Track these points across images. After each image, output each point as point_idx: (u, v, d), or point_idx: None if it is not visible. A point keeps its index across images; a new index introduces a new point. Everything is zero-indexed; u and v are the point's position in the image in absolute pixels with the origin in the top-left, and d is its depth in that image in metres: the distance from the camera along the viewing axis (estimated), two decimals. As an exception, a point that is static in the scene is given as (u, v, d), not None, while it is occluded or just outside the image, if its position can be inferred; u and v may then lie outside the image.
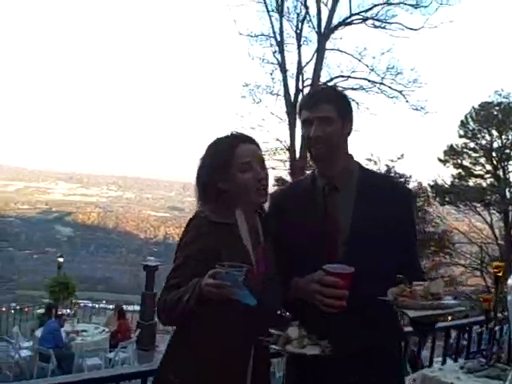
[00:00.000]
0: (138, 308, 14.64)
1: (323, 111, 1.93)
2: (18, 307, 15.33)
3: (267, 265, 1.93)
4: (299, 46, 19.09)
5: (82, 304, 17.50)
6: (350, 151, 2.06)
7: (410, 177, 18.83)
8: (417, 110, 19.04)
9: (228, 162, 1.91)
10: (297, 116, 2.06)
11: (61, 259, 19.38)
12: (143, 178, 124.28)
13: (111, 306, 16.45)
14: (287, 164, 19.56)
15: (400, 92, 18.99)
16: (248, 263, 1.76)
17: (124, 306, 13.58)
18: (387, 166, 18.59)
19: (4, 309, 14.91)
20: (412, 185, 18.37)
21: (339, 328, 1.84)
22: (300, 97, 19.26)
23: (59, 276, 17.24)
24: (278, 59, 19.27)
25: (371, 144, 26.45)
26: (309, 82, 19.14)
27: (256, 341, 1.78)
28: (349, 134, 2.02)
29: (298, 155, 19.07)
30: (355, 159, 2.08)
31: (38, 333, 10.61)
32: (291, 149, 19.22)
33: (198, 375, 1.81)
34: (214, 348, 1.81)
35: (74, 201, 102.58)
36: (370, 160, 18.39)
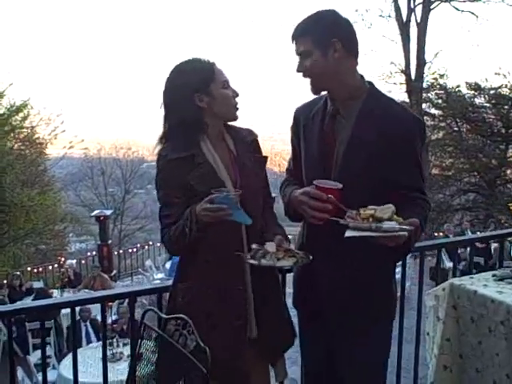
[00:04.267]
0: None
1: (300, 46, 1.95)
2: (150, 243, 17.30)
3: (241, 179, 2.02)
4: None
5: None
6: (359, 73, 2.01)
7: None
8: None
9: (211, 78, 1.95)
10: None
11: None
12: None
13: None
14: (404, 87, 19.13)
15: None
16: (219, 184, 1.91)
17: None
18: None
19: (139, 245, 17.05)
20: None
21: (325, 244, 1.98)
22: (412, 17, 18.54)
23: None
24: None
25: (499, 57, 24.39)
26: (421, -1, 18.27)
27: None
28: (345, 57, 1.93)
29: (413, 76, 18.59)
30: (367, 82, 2.03)
31: (168, 265, 12.04)
32: (406, 71, 18.73)
33: (200, 288, 1.98)
34: (213, 259, 1.96)
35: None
36: (498, 74, 17.24)
